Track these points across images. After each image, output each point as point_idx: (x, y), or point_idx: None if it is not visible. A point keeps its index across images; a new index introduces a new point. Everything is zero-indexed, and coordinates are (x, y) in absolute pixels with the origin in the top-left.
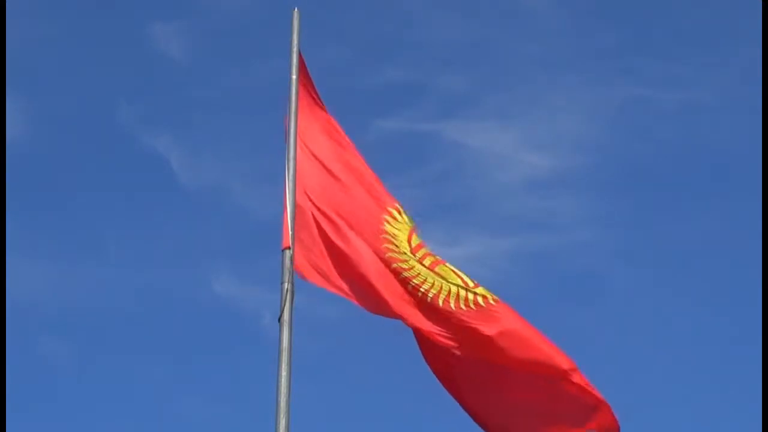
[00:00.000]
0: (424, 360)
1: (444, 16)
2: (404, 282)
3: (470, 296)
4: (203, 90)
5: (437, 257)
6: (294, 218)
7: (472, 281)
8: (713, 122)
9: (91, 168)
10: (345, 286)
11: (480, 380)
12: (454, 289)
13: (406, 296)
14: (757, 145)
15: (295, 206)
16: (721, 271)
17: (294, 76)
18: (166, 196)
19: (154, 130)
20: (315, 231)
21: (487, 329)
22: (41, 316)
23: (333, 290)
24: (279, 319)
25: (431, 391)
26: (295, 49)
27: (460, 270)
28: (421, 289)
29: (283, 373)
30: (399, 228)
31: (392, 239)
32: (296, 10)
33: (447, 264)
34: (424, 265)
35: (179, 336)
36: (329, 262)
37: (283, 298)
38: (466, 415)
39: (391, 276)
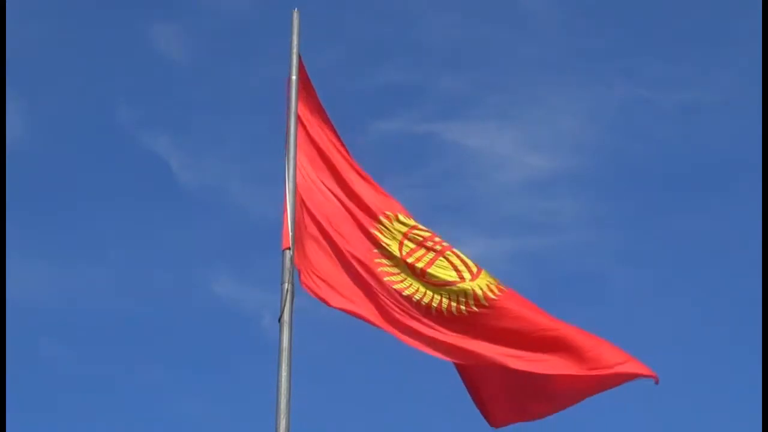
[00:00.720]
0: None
1: (443, 17)
2: (397, 294)
3: (462, 302)
4: (203, 91)
5: (438, 249)
6: (294, 218)
7: (476, 268)
8: (713, 123)
9: (90, 169)
10: (347, 297)
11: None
12: (446, 296)
13: (397, 309)
14: (757, 145)
15: (295, 206)
16: (721, 271)
17: (294, 77)
18: (166, 197)
19: (153, 131)
20: (317, 234)
21: (475, 335)
22: (41, 317)
23: (330, 302)
24: (279, 320)
25: (431, 391)
26: (294, 50)
27: (463, 256)
28: (414, 298)
29: (283, 373)
30: (392, 235)
31: (384, 249)
32: (296, 11)
33: (448, 254)
34: (415, 273)
35: (179, 337)
36: (330, 267)
37: (284, 298)
38: (465, 414)
39: (382, 289)
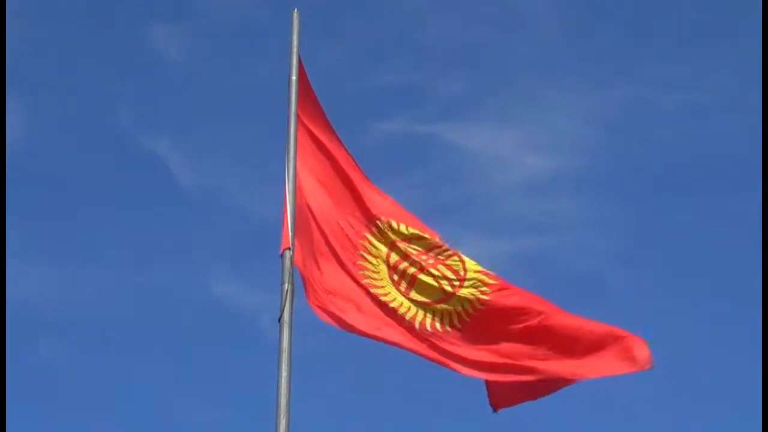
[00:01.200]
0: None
1: (443, 18)
2: (383, 306)
3: (446, 319)
4: (202, 92)
5: (417, 268)
6: (294, 219)
7: (457, 281)
8: (713, 123)
9: (90, 170)
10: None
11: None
12: (429, 314)
13: (386, 319)
14: (757, 145)
15: (295, 207)
16: (721, 271)
17: (294, 77)
18: (166, 197)
19: (153, 132)
20: (317, 235)
21: (457, 350)
22: (41, 318)
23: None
24: (279, 320)
25: (430, 391)
26: (294, 50)
27: (445, 273)
28: (399, 312)
29: (283, 373)
30: (379, 247)
31: (370, 262)
32: (296, 11)
33: (432, 270)
34: (400, 291)
35: (179, 338)
36: (334, 279)
37: (283, 298)
38: (464, 414)
39: (368, 300)
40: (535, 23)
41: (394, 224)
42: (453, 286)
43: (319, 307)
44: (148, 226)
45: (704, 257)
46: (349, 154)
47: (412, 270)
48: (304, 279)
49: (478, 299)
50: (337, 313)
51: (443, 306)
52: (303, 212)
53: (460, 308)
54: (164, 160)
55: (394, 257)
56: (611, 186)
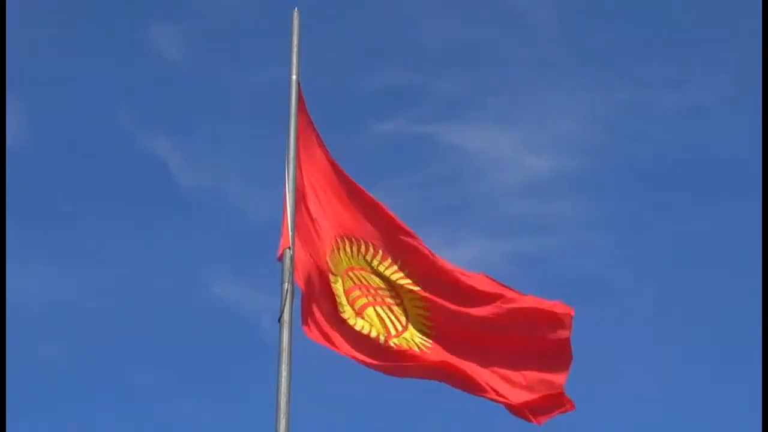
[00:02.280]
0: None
1: (443, 19)
2: (339, 319)
3: (396, 341)
4: (202, 92)
5: (369, 299)
6: (294, 218)
7: (401, 326)
8: (713, 124)
9: (90, 170)
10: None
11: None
12: (383, 332)
13: (341, 330)
14: (757, 146)
15: (295, 207)
16: (721, 271)
17: (294, 77)
18: (165, 198)
19: (152, 133)
20: (314, 237)
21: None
22: (40, 320)
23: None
24: (279, 320)
25: (430, 391)
26: (295, 50)
27: (393, 312)
28: (356, 328)
29: (283, 373)
30: (338, 262)
31: (331, 272)
32: (296, 11)
33: (377, 307)
34: (353, 309)
35: (179, 338)
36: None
37: (283, 298)
38: (464, 414)
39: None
40: (535, 23)
41: (362, 248)
42: (397, 330)
43: (316, 332)
44: (148, 227)
45: (704, 257)
46: (342, 170)
47: (363, 300)
48: (302, 298)
49: (421, 344)
50: (330, 335)
51: (383, 334)
52: (304, 219)
53: (402, 341)
54: (164, 160)
55: (348, 282)
56: (611, 186)
